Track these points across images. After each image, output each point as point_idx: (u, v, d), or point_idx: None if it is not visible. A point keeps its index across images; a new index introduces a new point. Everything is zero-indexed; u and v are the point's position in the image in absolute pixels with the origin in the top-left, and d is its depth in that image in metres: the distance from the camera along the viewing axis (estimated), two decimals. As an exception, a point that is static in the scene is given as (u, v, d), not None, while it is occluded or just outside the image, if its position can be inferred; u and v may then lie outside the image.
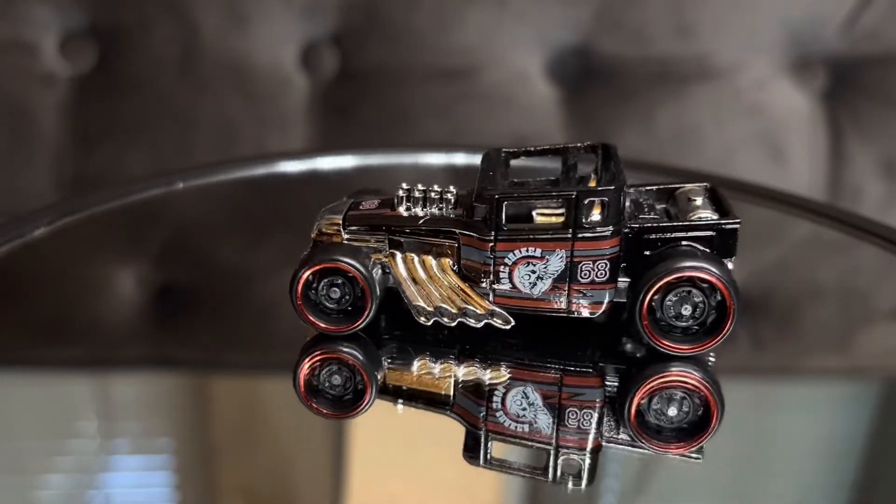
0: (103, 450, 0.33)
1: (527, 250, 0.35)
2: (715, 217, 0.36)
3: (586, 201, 0.34)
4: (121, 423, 0.35)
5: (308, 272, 0.36)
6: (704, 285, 0.35)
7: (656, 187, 0.40)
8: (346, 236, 0.37)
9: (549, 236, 0.35)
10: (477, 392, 0.35)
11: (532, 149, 0.40)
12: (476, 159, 0.65)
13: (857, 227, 0.53)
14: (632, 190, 0.39)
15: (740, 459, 0.34)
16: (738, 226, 0.36)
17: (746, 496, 0.32)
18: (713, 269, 0.34)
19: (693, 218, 0.36)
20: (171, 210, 0.59)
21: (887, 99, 0.84)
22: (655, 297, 0.35)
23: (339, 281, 0.36)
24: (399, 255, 0.37)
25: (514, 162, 0.40)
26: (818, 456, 0.35)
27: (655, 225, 0.36)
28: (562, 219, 0.35)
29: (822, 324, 0.47)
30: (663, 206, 0.39)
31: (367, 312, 0.36)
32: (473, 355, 0.37)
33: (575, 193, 0.34)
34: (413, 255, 0.37)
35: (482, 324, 0.36)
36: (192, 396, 0.38)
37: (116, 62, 0.82)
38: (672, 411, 0.34)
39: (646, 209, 0.38)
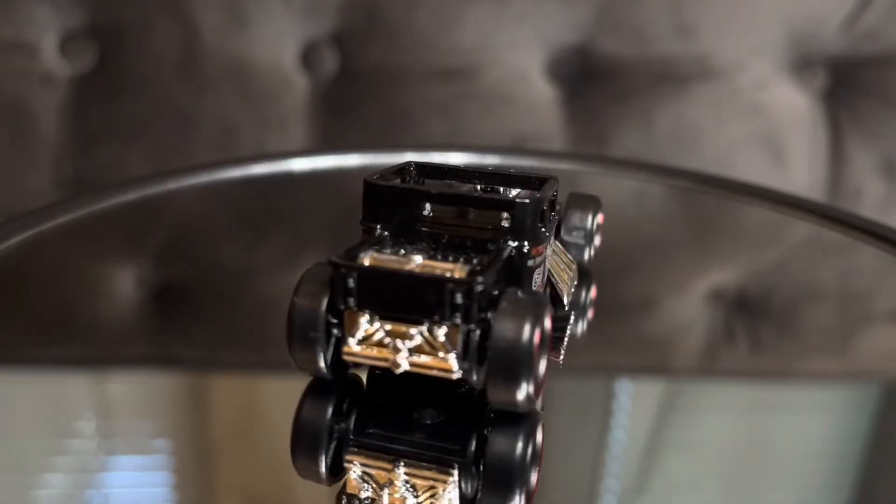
0: (102, 449, 0.33)
1: None
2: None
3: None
4: (120, 422, 0.35)
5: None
6: None
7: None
8: None
9: None
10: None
11: None
12: (476, 159, 0.66)
13: (858, 227, 0.53)
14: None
15: (740, 462, 0.34)
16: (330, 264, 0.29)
17: (746, 497, 0.32)
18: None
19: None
20: (171, 210, 0.59)
21: (887, 99, 0.84)
22: None
23: None
24: None
25: None
26: (817, 458, 0.35)
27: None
28: None
29: (822, 326, 0.47)
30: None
31: None
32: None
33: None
34: None
35: None
36: (191, 396, 0.38)
37: (116, 62, 0.82)
38: None
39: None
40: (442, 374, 0.29)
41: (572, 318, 0.40)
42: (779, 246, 0.57)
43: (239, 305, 0.45)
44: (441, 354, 0.29)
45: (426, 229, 0.33)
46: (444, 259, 0.30)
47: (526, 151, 0.74)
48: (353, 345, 0.29)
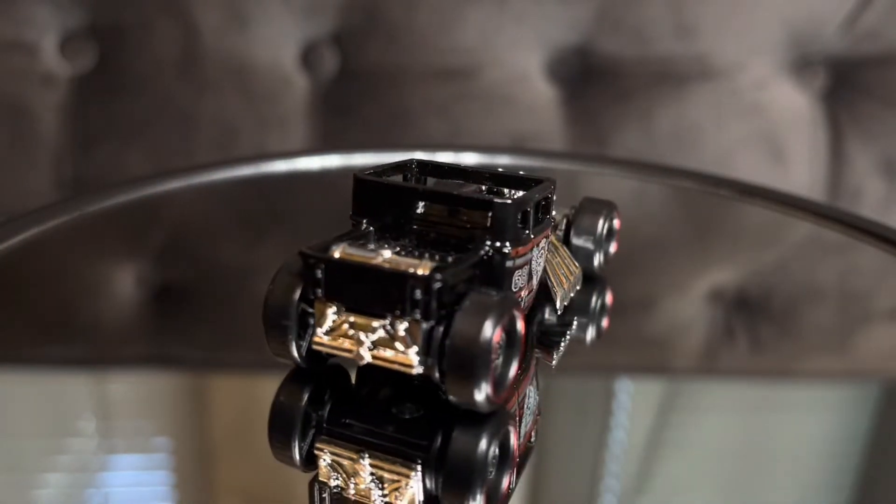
0: (102, 448, 0.33)
1: None
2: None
3: None
4: (119, 421, 0.35)
5: None
6: None
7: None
8: None
9: None
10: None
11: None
12: (476, 159, 0.66)
13: (858, 227, 0.53)
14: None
15: (740, 462, 0.34)
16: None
17: (746, 497, 0.32)
18: None
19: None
20: (171, 210, 0.59)
21: (887, 99, 0.84)
22: None
23: None
24: None
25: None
26: (817, 457, 0.35)
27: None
28: None
29: (822, 325, 0.47)
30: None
31: None
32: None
33: None
34: None
35: None
36: (190, 395, 0.38)
37: (116, 62, 0.82)
38: None
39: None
40: (402, 368, 0.29)
41: (575, 324, 0.40)
42: (779, 246, 0.57)
43: (239, 305, 0.45)
44: (402, 349, 0.29)
45: (413, 226, 0.33)
46: (417, 255, 0.30)
47: (526, 151, 0.74)
48: (321, 334, 0.30)
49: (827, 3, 0.83)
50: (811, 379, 0.42)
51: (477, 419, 0.30)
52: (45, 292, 0.46)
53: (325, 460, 0.29)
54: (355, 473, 0.28)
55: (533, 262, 0.35)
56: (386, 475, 0.28)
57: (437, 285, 0.28)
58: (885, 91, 0.84)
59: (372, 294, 0.29)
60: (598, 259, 0.43)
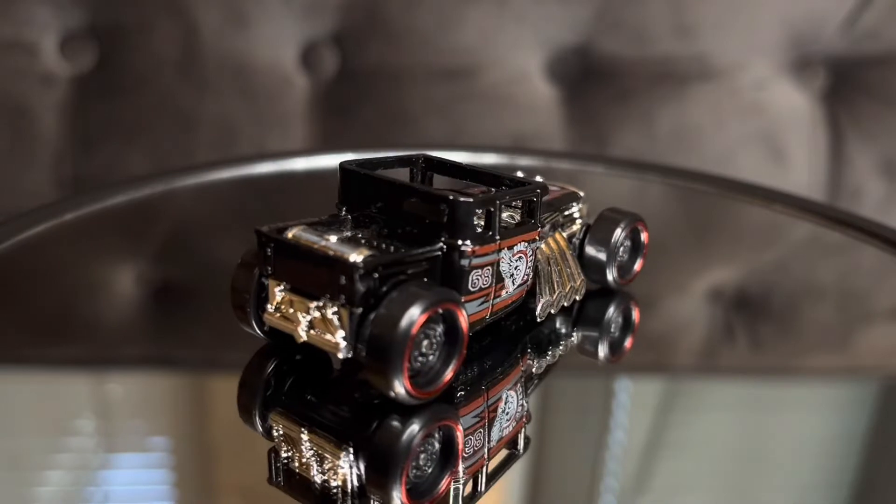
0: (101, 448, 0.33)
1: None
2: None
3: None
4: (119, 421, 0.35)
5: None
6: None
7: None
8: None
9: None
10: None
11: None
12: (476, 158, 0.66)
13: (858, 227, 0.53)
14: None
15: (740, 461, 0.34)
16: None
17: (746, 496, 0.32)
18: None
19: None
20: (170, 209, 0.59)
21: (887, 99, 0.84)
22: None
23: None
24: None
25: None
26: (817, 457, 0.35)
27: None
28: None
29: (822, 324, 0.47)
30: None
31: None
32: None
33: None
34: None
35: None
36: (190, 395, 0.38)
37: (116, 62, 0.82)
38: None
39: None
40: (332, 350, 0.30)
41: (575, 337, 0.40)
42: (779, 246, 0.57)
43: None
44: (331, 332, 0.30)
45: (391, 218, 0.33)
46: (374, 245, 0.31)
47: (526, 151, 0.74)
48: (270, 310, 0.31)
49: (827, 3, 0.83)
50: (811, 378, 0.42)
51: (417, 413, 0.30)
52: (46, 292, 0.46)
53: (277, 432, 0.30)
54: (300, 448, 0.30)
55: (503, 265, 0.34)
56: (325, 454, 0.29)
57: (360, 272, 0.28)
58: (885, 91, 0.84)
59: (308, 276, 0.30)
60: (611, 272, 0.41)
